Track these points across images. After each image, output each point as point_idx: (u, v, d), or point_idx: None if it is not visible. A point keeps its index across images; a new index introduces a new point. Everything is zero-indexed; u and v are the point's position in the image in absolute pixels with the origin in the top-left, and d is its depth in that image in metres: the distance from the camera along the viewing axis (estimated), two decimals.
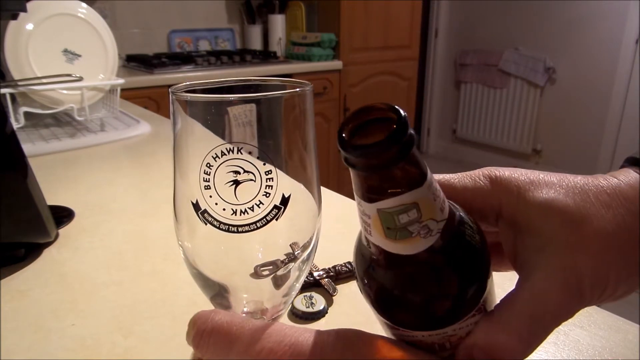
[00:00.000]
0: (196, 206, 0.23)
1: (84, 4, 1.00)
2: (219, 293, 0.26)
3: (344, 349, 0.21)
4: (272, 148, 0.23)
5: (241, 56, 2.27)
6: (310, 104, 0.24)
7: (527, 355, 0.21)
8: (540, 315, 0.21)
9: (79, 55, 1.00)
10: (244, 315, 0.26)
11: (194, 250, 0.25)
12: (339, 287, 0.45)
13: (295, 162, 0.24)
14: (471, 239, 0.23)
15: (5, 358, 0.37)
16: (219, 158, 0.22)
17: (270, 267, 0.25)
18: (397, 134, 0.19)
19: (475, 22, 3.45)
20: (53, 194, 0.68)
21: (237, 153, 0.22)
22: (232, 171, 0.22)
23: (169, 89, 0.24)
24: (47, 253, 0.52)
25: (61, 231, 0.57)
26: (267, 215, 0.23)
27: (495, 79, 3.33)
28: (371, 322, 0.41)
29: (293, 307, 0.41)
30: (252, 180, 0.22)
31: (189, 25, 2.52)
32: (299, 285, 0.27)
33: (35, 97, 0.96)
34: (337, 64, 2.42)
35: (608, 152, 2.90)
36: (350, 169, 0.20)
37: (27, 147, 0.87)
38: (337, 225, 0.59)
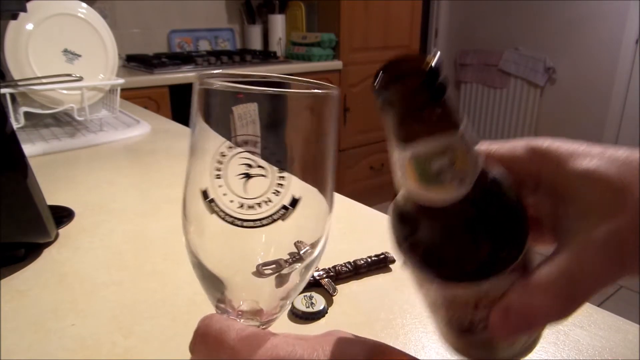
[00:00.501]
0: (205, 194, 0.23)
1: (84, 4, 1.00)
2: (216, 287, 0.25)
3: None
4: (288, 147, 0.23)
5: (241, 56, 2.27)
6: (335, 108, 0.24)
7: (563, 318, 0.21)
8: (579, 278, 0.21)
9: (79, 55, 1.00)
10: (239, 318, 0.26)
11: (197, 239, 0.25)
12: (339, 287, 0.45)
13: (310, 164, 0.24)
14: (507, 194, 0.23)
15: (5, 358, 0.37)
16: (234, 149, 0.22)
17: (273, 266, 0.25)
18: (431, 76, 0.19)
19: (475, 22, 3.44)
20: (53, 194, 0.68)
21: (253, 147, 0.22)
22: (245, 164, 0.22)
23: (197, 74, 0.23)
24: (47, 253, 0.52)
25: (61, 231, 0.57)
26: (274, 214, 0.23)
27: (495, 79, 3.33)
28: (371, 322, 0.41)
29: (293, 307, 0.41)
30: (263, 175, 0.22)
31: (189, 25, 2.52)
32: (297, 291, 0.27)
33: (35, 97, 0.96)
34: (337, 64, 2.42)
35: None
36: (385, 114, 0.20)
37: (27, 147, 0.87)
38: (337, 225, 0.59)
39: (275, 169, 0.22)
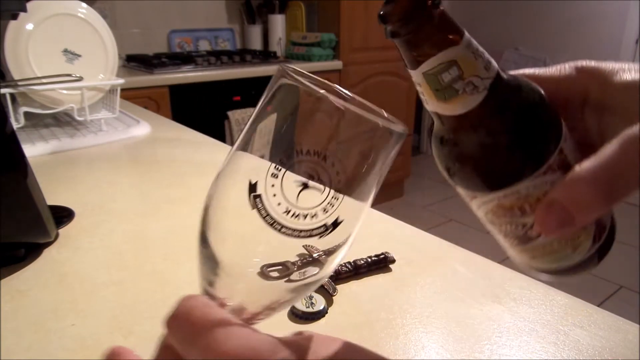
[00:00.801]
0: (252, 187, 0.22)
1: (84, 4, 1.00)
2: (212, 270, 0.25)
3: None
4: (345, 170, 0.22)
5: (241, 56, 2.27)
6: (395, 149, 0.23)
7: (605, 209, 0.22)
8: (620, 170, 0.21)
9: (79, 55, 1.00)
10: (221, 305, 0.25)
11: (222, 218, 0.24)
12: (339, 287, 0.45)
13: (355, 193, 0.23)
14: (528, 94, 0.24)
15: (5, 358, 0.37)
16: (302, 155, 0.21)
17: (280, 267, 0.25)
18: (410, 3, 0.21)
19: (475, 22, 3.44)
20: (53, 194, 0.68)
21: (321, 160, 0.21)
22: (309, 174, 0.21)
23: (280, 66, 0.23)
24: (47, 253, 0.52)
25: (61, 231, 0.57)
26: (314, 229, 0.22)
27: None
28: (371, 322, 0.41)
29: (293, 307, 0.41)
30: (319, 191, 0.22)
31: (189, 25, 2.52)
32: (289, 305, 0.26)
33: (35, 97, 0.96)
34: (337, 64, 2.42)
35: None
36: (396, 45, 0.23)
37: (27, 147, 0.87)
38: None
39: (334, 187, 0.22)
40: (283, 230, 0.22)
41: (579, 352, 0.37)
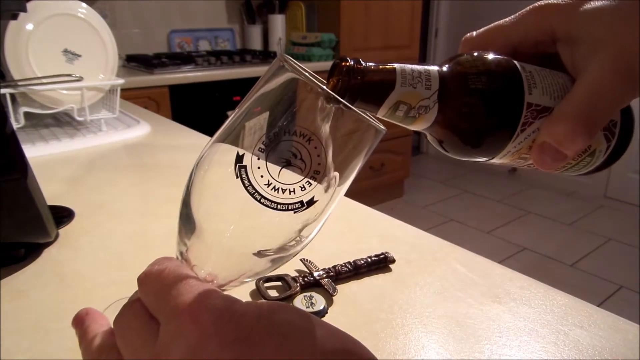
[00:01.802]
0: (239, 158, 0.24)
1: (84, 4, 1.00)
2: (188, 233, 0.26)
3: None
4: (326, 154, 0.24)
5: (241, 56, 2.27)
6: (375, 144, 0.25)
7: (588, 139, 0.24)
8: (596, 100, 0.23)
9: (79, 55, 1.00)
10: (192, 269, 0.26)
11: (206, 182, 0.26)
12: (339, 287, 0.45)
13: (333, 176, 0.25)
14: (473, 80, 0.26)
15: (5, 358, 0.37)
16: (288, 134, 0.23)
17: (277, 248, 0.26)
18: (344, 81, 0.25)
19: (475, 22, 3.44)
20: (53, 194, 0.68)
21: (306, 141, 0.23)
22: (292, 152, 0.23)
23: (280, 55, 0.24)
24: (47, 253, 0.52)
25: (61, 231, 0.57)
26: (290, 204, 0.24)
27: None
28: (371, 322, 0.41)
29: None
30: (301, 169, 0.23)
31: (189, 25, 2.52)
32: (259, 275, 0.28)
33: (35, 97, 0.96)
34: None
35: None
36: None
37: (27, 147, 0.87)
38: (337, 225, 0.59)
39: (314, 167, 0.24)
40: (262, 201, 0.23)
41: (579, 352, 0.37)
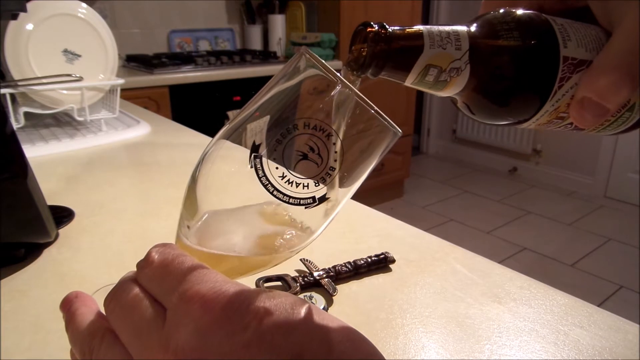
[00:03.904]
0: (255, 147, 0.23)
1: (84, 4, 1.00)
2: (191, 215, 0.26)
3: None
4: (343, 152, 0.24)
5: (241, 56, 2.27)
6: (389, 146, 0.25)
7: (631, 89, 0.23)
8: (635, 49, 0.22)
9: (79, 55, 1.00)
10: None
11: (217, 168, 0.25)
12: (339, 287, 0.45)
13: (348, 175, 0.25)
14: (506, 38, 0.25)
15: (5, 358, 0.37)
16: (308, 127, 0.23)
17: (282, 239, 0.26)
18: (370, 49, 0.24)
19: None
20: (53, 194, 0.68)
21: (326, 137, 0.23)
22: (310, 146, 0.23)
23: (300, 49, 0.24)
24: (47, 253, 0.52)
25: (61, 231, 0.57)
26: (303, 199, 0.23)
27: None
28: (371, 322, 0.41)
29: None
30: (316, 164, 0.23)
31: (189, 25, 2.52)
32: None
33: (35, 97, 0.96)
34: (337, 64, 2.41)
35: (608, 151, 2.90)
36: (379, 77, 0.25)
37: (27, 147, 0.87)
38: (337, 225, 0.59)
39: (330, 163, 0.23)
40: (275, 193, 0.23)
41: (579, 352, 0.37)
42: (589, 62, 0.25)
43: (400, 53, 0.24)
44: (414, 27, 0.24)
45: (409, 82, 0.25)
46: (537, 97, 0.25)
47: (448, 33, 0.24)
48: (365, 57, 0.24)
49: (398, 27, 0.24)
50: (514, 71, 0.25)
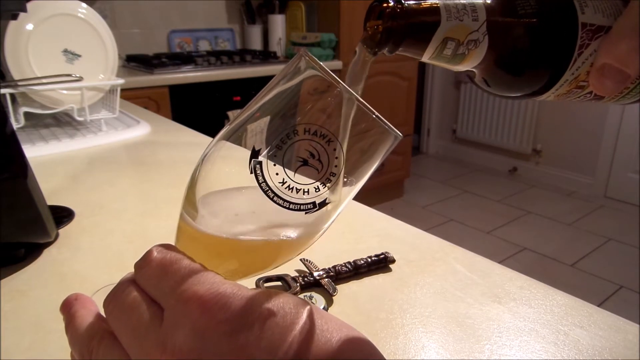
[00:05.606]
0: (254, 153, 0.23)
1: (84, 4, 1.00)
2: (191, 205, 0.26)
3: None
4: (344, 158, 0.24)
5: (241, 56, 2.27)
6: (390, 149, 0.25)
7: None
8: None
9: (79, 55, 1.00)
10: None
11: (217, 165, 0.25)
12: (339, 287, 0.45)
13: (347, 180, 0.25)
14: (523, 7, 0.24)
15: (5, 358, 0.37)
16: (308, 133, 0.22)
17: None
18: (387, 25, 0.24)
19: None
20: (53, 194, 0.68)
21: (326, 142, 0.23)
22: (310, 152, 0.23)
23: (300, 50, 0.24)
24: (47, 253, 0.52)
25: (61, 231, 0.57)
26: (303, 204, 0.23)
27: None
28: (371, 322, 0.41)
29: None
30: (317, 170, 0.23)
31: (189, 25, 2.52)
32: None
33: (35, 97, 0.96)
34: (337, 64, 2.42)
35: (608, 151, 2.90)
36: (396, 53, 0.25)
37: (27, 147, 0.87)
38: (337, 225, 0.59)
39: (330, 169, 0.23)
40: (275, 199, 0.23)
41: (579, 352, 0.37)
42: (607, 28, 0.24)
43: (417, 27, 0.24)
44: (429, 0, 0.24)
45: (426, 57, 0.24)
46: (558, 66, 0.25)
47: (464, 5, 0.24)
48: (382, 33, 0.24)
49: (413, 1, 0.24)
50: (532, 40, 0.24)
